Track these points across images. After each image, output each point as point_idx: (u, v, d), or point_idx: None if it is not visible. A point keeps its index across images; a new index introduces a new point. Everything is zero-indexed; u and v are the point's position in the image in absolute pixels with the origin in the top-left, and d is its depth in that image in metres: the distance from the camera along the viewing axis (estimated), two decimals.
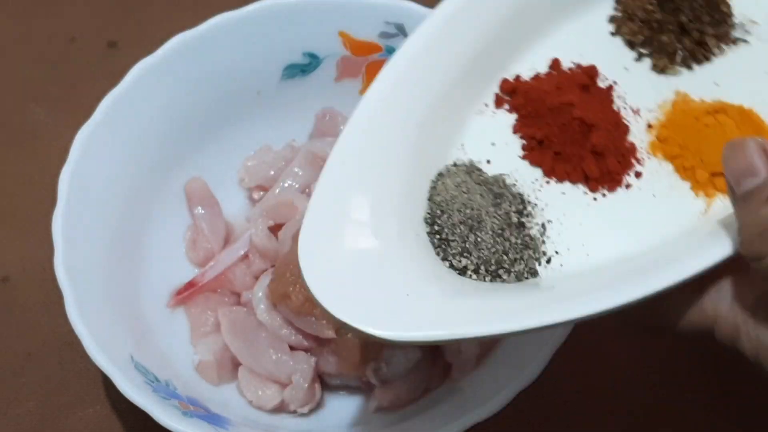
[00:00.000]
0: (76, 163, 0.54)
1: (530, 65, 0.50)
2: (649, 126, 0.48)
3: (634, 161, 0.48)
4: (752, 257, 0.38)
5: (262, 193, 0.61)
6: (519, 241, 0.46)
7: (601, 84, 0.49)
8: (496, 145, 0.49)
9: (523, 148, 0.49)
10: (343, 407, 0.56)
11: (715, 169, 0.46)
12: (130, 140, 0.57)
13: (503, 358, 0.53)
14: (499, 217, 0.46)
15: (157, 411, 0.49)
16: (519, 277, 0.45)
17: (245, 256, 0.58)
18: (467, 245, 0.45)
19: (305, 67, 0.60)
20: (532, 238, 0.46)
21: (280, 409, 0.55)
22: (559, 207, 0.47)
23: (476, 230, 0.45)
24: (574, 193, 0.47)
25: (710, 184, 0.46)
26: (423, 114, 0.48)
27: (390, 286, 0.43)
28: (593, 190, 0.47)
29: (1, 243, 0.63)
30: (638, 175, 0.47)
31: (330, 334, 0.54)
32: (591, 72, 0.49)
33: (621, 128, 0.48)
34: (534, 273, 0.45)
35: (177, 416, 0.49)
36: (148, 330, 0.56)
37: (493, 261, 0.45)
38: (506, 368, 0.51)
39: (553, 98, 0.48)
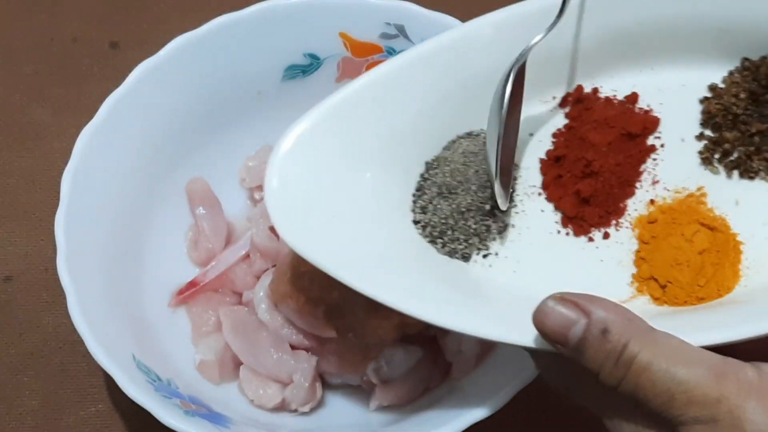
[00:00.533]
0: (79, 163, 0.54)
1: (614, 86, 0.50)
2: (652, 201, 0.48)
3: (613, 222, 0.48)
4: (614, 384, 0.39)
5: (263, 193, 0.61)
6: (474, 226, 0.48)
7: (651, 140, 0.49)
8: (532, 136, 0.50)
9: (546, 153, 0.50)
10: (343, 406, 0.56)
11: (654, 274, 0.46)
12: (132, 140, 0.57)
13: (503, 358, 0.53)
14: (476, 197, 0.48)
15: (159, 410, 0.49)
16: (451, 254, 0.48)
17: (246, 256, 0.58)
18: (429, 205, 0.48)
19: (306, 67, 0.60)
20: (488, 230, 0.48)
21: (281, 408, 0.55)
22: (530, 220, 0.48)
23: (441, 197, 0.48)
24: (548, 217, 0.49)
25: (645, 283, 0.46)
26: (487, 74, 0.48)
27: (347, 219, 0.46)
28: (564, 224, 0.48)
29: (4, 242, 0.63)
30: (606, 235, 0.48)
31: (331, 333, 0.54)
32: (650, 124, 0.49)
33: (627, 190, 0.48)
34: (467, 258, 0.48)
35: (179, 415, 0.49)
36: (150, 329, 0.56)
37: (438, 229, 0.48)
38: (506, 368, 0.51)
39: (586, 129, 0.49)
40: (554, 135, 0.50)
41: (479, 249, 0.48)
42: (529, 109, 0.50)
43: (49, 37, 0.71)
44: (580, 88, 0.50)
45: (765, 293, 0.45)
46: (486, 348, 0.54)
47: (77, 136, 0.55)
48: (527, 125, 0.50)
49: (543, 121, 0.50)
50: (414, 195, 0.49)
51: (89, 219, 0.54)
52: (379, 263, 0.46)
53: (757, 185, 0.48)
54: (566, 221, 0.48)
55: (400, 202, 0.48)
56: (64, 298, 0.51)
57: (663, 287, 0.46)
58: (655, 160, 0.49)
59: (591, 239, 0.48)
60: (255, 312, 0.55)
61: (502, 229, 0.48)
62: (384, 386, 0.54)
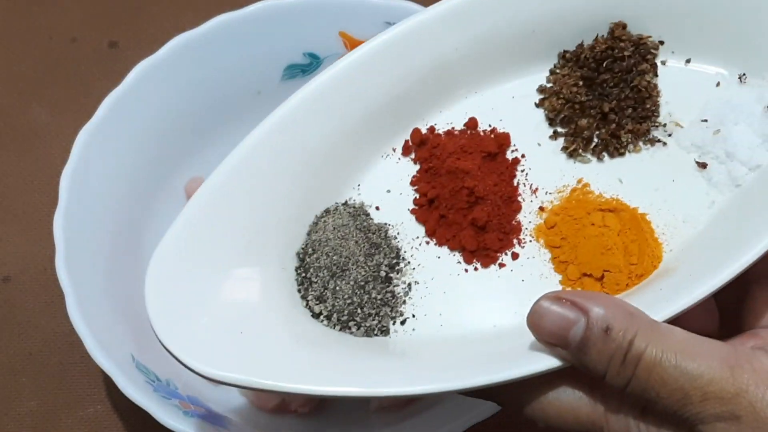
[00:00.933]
0: (78, 163, 0.54)
1: (448, 119, 0.50)
2: (542, 208, 0.48)
3: (515, 241, 0.47)
4: (621, 385, 0.38)
5: None
6: (380, 297, 0.46)
7: (510, 155, 0.49)
8: (390, 192, 0.49)
9: (415, 202, 0.48)
10: (343, 406, 0.56)
11: (586, 270, 0.45)
12: (130, 140, 0.57)
13: None
14: (367, 268, 0.46)
15: (158, 410, 0.49)
16: (369, 333, 0.45)
17: None
18: (326, 292, 0.46)
19: (306, 67, 0.60)
20: (394, 296, 0.46)
21: (281, 408, 0.55)
22: (430, 270, 0.47)
23: (338, 278, 0.46)
24: (448, 259, 0.47)
25: (579, 283, 0.46)
26: (325, 146, 0.48)
27: (234, 322, 0.43)
28: (467, 261, 0.47)
29: (3, 243, 0.63)
30: (515, 256, 0.47)
31: None
32: (503, 140, 0.49)
33: (513, 205, 0.48)
34: (385, 331, 0.45)
35: (178, 416, 0.49)
36: (149, 329, 0.55)
37: (346, 312, 0.45)
38: None
39: (452, 161, 0.48)
40: (412, 183, 0.49)
41: (393, 318, 0.46)
42: (374, 168, 0.49)
43: (48, 36, 0.70)
44: (417, 131, 0.49)
45: (691, 252, 0.45)
46: None
47: (76, 135, 0.55)
48: (378, 184, 0.49)
49: (393, 174, 0.49)
50: (300, 289, 0.46)
51: (88, 219, 0.54)
52: (290, 361, 0.43)
53: (629, 159, 0.49)
54: (469, 257, 0.47)
55: (288, 299, 0.46)
56: (63, 298, 0.51)
57: (600, 279, 0.45)
58: (523, 171, 0.49)
59: (502, 264, 0.47)
60: None
61: (408, 290, 0.46)
62: None
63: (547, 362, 0.39)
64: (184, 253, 0.44)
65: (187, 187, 0.60)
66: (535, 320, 0.39)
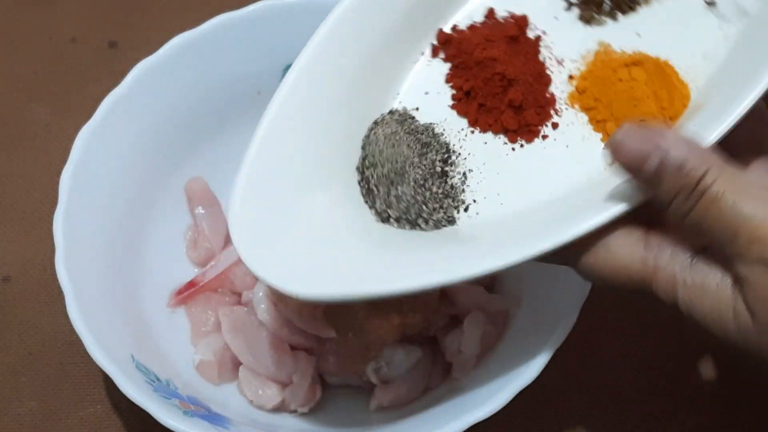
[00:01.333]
0: (77, 163, 0.54)
1: (468, 14, 0.52)
2: (571, 77, 0.50)
3: (552, 112, 0.49)
4: (682, 214, 0.40)
5: None
6: (440, 191, 0.48)
7: (531, 34, 0.51)
8: (429, 94, 0.51)
9: (453, 98, 0.51)
10: (343, 406, 0.56)
11: (622, 123, 0.47)
12: (130, 140, 0.57)
13: (503, 358, 0.53)
14: (423, 167, 0.48)
15: (158, 410, 0.49)
16: (437, 225, 0.48)
17: None
18: (390, 197, 0.48)
19: None
20: (452, 187, 0.48)
21: (281, 408, 0.55)
22: (481, 156, 0.49)
23: (398, 184, 0.48)
24: (495, 143, 0.49)
25: None
26: (360, 64, 0.51)
27: (315, 239, 0.47)
28: (512, 141, 0.49)
29: (3, 243, 0.63)
30: (555, 126, 0.49)
31: (331, 333, 0.54)
32: (521, 22, 0.51)
33: (543, 80, 0.50)
34: (452, 221, 0.48)
35: (178, 416, 0.49)
36: (149, 329, 0.56)
37: (413, 212, 0.48)
38: (506, 368, 0.51)
39: (479, 52, 0.50)
40: (447, 80, 0.51)
41: (456, 207, 0.48)
42: (408, 75, 0.52)
43: (48, 36, 0.70)
44: (441, 31, 0.52)
45: (716, 84, 0.47)
46: (486, 348, 0.54)
47: (76, 135, 0.55)
48: (416, 88, 0.51)
49: (427, 77, 0.52)
50: (367, 200, 0.49)
51: (88, 219, 0.54)
52: (367, 265, 0.46)
53: (642, 12, 0.51)
54: (513, 136, 0.49)
55: (359, 212, 0.49)
56: (63, 298, 0.51)
57: None
58: (546, 47, 0.51)
59: (545, 137, 0.49)
60: (254, 312, 0.55)
61: (464, 179, 0.49)
62: (384, 386, 0.54)
63: (608, 213, 0.42)
64: (260, 183, 0.48)
65: (187, 187, 0.60)
66: (614, 147, 0.41)
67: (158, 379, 0.52)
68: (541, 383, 0.49)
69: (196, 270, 0.59)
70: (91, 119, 0.55)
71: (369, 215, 0.48)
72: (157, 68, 0.57)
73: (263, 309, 0.55)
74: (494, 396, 0.49)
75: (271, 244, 0.46)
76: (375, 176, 0.49)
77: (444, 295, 0.55)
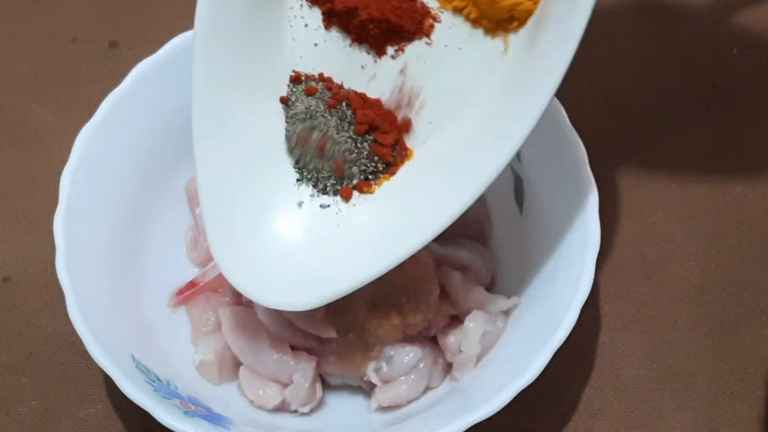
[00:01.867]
0: (78, 163, 0.54)
1: None
2: None
3: (429, 20, 0.50)
4: None
5: None
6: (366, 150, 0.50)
7: None
8: (295, 41, 0.51)
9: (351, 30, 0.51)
10: (343, 406, 0.56)
11: (498, 17, 0.49)
12: (131, 140, 0.57)
13: (503, 358, 0.53)
14: (341, 129, 0.50)
15: (158, 410, 0.49)
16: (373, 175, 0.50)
17: None
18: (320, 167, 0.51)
19: None
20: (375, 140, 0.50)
21: (281, 408, 0.55)
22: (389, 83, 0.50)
23: (323, 157, 0.51)
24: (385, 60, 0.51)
25: (499, 27, 0.49)
26: (247, 37, 0.50)
27: (289, 246, 0.49)
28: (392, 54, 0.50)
29: (3, 243, 0.63)
30: (430, 28, 0.50)
31: (331, 333, 0.54)
32: None
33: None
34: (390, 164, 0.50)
35: (178, 416, 0.49)
36: (149, 330, 0.56)
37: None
38: (506, 368, 0.51)
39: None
40: (326, 25, 0.51)
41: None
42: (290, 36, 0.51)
43: (48, 36, 0.70)
44: None
45: None
46: (486, 348, 0.54)
47: (76, 135, 0.55)
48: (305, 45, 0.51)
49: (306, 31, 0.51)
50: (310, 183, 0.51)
51: (88, 219, 0.54)
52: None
53: None
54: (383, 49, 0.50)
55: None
56: (63, 298, 0.51)
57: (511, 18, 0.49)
58: None
59: (428, 43, 0.50)
60: (255, 312, 0.55)
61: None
62: (384, 386, 0.54)
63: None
64: (221, 206, 0.50)
65: (187, 187, 0.60)
66: None
67: (158, 379, 0.52)
68: (541, 383, 0.49)
69: (197, 270, 0.59)
70: (92, 119, 0.55)
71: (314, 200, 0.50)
72: (158, 68, 0.57)
73: (264, 309, 0.55)
74: (494, 396, 0.49)
75: (257, 262, 0.48)
76: (306, 157, 0.51)
77: (444, 295, 0.56)
